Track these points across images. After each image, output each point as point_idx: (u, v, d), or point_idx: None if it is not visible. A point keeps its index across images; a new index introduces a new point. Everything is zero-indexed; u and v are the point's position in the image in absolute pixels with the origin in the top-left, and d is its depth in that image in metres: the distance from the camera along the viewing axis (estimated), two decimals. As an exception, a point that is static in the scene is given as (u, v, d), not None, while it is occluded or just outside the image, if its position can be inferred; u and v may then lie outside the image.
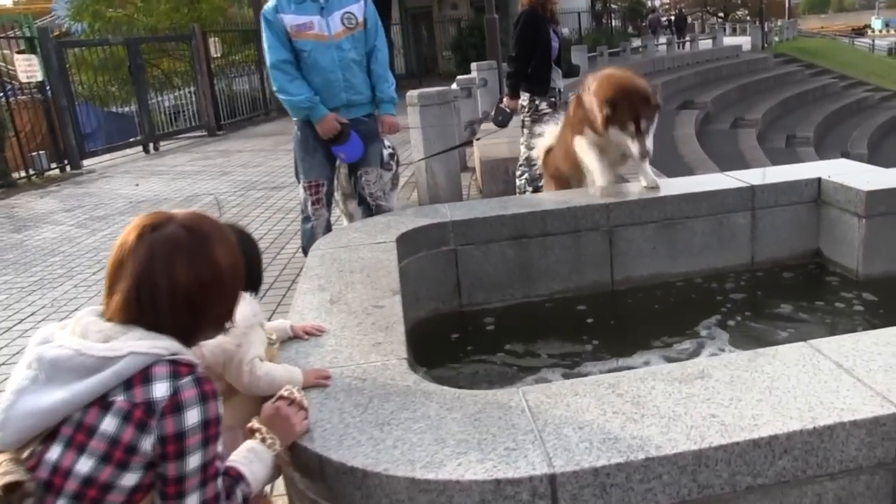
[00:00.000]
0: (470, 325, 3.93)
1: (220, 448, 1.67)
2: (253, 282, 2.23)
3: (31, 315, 5.53)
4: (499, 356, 3.50)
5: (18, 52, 12.56)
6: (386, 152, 5.27)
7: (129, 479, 1.57)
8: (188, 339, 1.73)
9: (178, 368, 1.62)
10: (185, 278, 1.65)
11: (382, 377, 2.24)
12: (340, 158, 4.57)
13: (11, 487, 1.52)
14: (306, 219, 4.73)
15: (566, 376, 3.16)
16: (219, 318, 1.80)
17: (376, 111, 4.74)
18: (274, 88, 4.62)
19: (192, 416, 1.59)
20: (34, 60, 12.38)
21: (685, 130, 12.59)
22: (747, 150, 12.50)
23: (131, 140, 14.69)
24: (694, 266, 4.13)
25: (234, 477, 1.75)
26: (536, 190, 5.61)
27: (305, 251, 4.54)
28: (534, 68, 5.40)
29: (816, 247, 4.22)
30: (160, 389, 1.58)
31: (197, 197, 9.14)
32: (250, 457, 1.82)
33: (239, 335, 2.10)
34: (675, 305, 3.92)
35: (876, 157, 15.87)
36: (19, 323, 5.38)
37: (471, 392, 2.14)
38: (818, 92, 23.34)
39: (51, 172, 12.29)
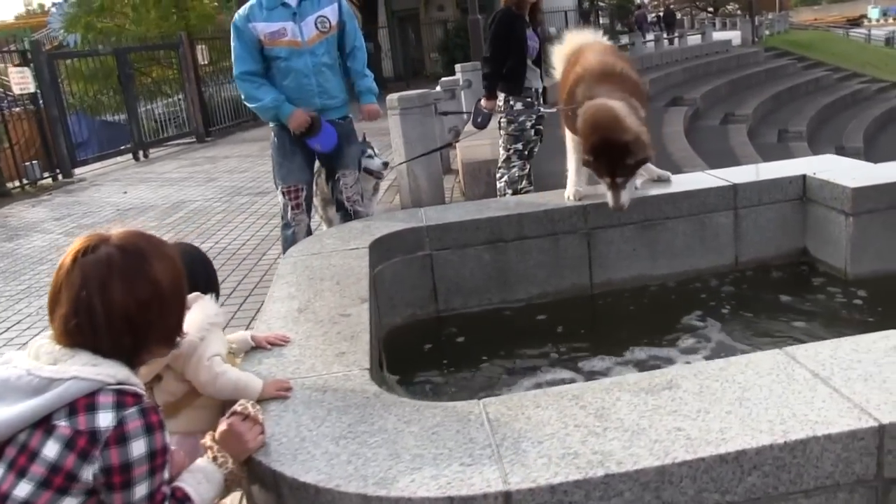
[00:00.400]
0: (446, 331, 3.86)
1: (166, 475, 1.66)
2: (210, 285, 2.23)
3: (18, 323, 5.49)
4: (473, 363, 3.43)
5: (14, 66, 12.59)
6: (379, 161, 5.25)
7: None
8: (135, 360, 1.72)
9: (123, 398, 1.60)
10: (121, 299, 1.64)
11: (343, 388, 2.19)
12: (316, 150, 4.49)
13: None
14: (286, 225, 4.66)
15: (539, 385, 3.08)
16: (166, 333, 1.78)
17: (359, 103, 4.70)
18: (242, 98, 4.59)
19: (138, 448, 1.58)
20: (27, 73, 12.45)
21: (673, 128, 12.50)
22: (738, 146, 12.41)
23: (121, 148, 14.65)
24: (676, 268, 4.05)
25: (181, 499, 1.72)
26: (516, 192, 5.52)
27: None
28: (508, 68, 5.31)
29: (803, 246, 4.13)
30: (105, 419, 1.56)
31: (182, 203, 9.06)
32: (198, 477, 1.79)
33: (203, 329, 2.09)
34: (656, 308, 3.84)
35: (872, 150, 15.79)
36: (6, 331, 5.35)
37: (430, 404, 2.08)
38: (811, 85, 23.19)
39: (43, 182, 12.25)
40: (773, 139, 15.21)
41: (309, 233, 4.67)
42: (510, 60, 5.28)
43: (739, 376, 1.97)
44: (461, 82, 9.87)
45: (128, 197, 10.13)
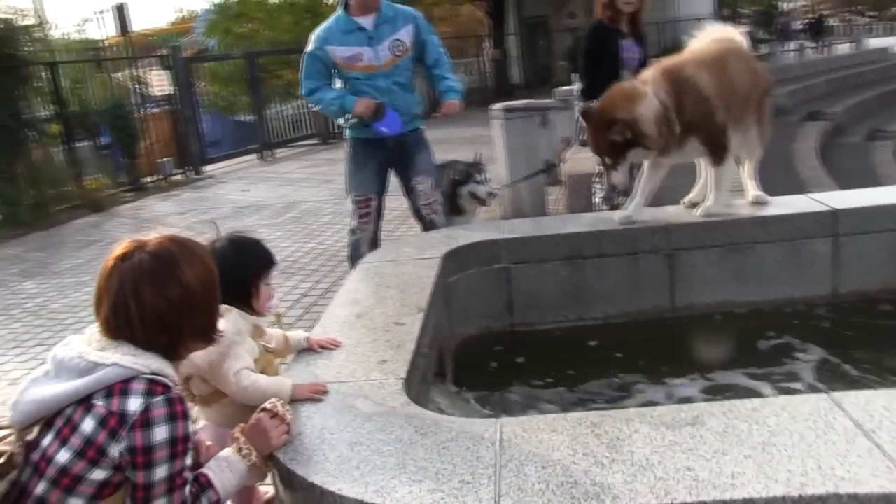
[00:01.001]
0: (519, 345, 3.81)
1: (188, 461, 1.79)
2: (240, 287, 2.29)
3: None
4: (540, 379, 3.37)
5: (157, 70, 13.49)
6: (485, 189, 5.28)
7: (98, 474, 1.71)
8: (172, 354, 1.88)
9: (153, 387, 1.75)
10: (152, 301, 1.80)
11: (375, 396, 2.24)
12: (383, 133, 4.51)
13: (2, 455, 1.71)
14: (352, 231, 4.75)
15: (597, 406, 3.01)
16: (200, 331, 1.93)
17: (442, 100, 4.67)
18: (312, 108, 4.77)
19: (160, 433, 1.72)
20: (165, 76, 13.23)
21: (805, 144, 11.78)
22: (880, 166, 11.50)
23: (248, 147, 15.29)
24: (764, 295, 3.85)
25: (203, 484, 1.87)
26: (613, 207, 5.40)
27: (351, 262, 4.61)
28: (602, 83, 5.20)
29: (919, 281, 3.84)
30: (134, 404, 1.72)
31: (296, 203, 9.35)
32: (223, 465, 1.93)
33: (222, 348, 2.17)
34: (738, 336, 3.68)
35: None
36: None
37: (450, 419, 2.10)
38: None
39: (175, 177, 12.98)
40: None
41: (375, 241, 4.73)
42: (603, 74, 5.18)
43: (772, 419, 1.86)
44: (576, 92, 9.72)
45: (247, 195, 10.56)
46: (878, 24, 49.01)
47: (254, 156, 15.04)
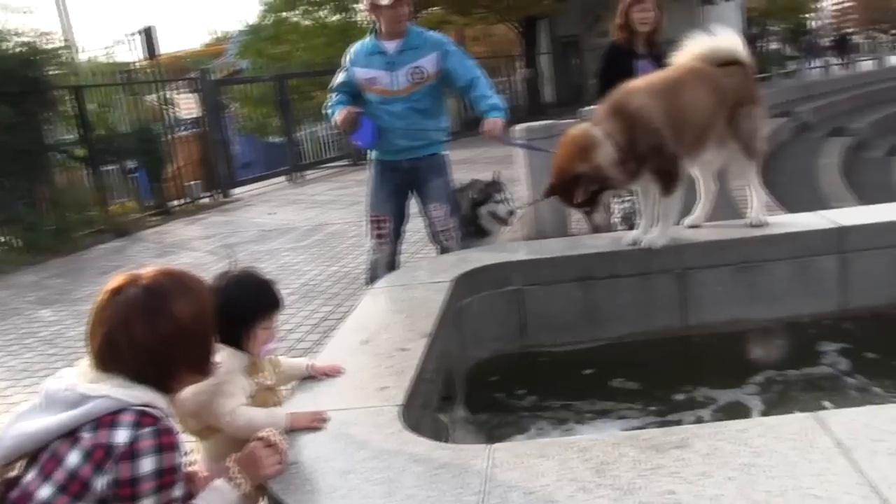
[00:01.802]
0: (530, 368, 3.85)
1: (177, 493, 1.78)
2: (233, 328, 2.28)
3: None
4: (552, 401, 3.40)
5: (185, 92, 13.67)
6: (506, 208, 5.22)
7: None
8: (166, 388, 1.88)
9: (142, 418, 1.75)
10: (144, 336, 1.81)
11: (371, 423, 2.27)
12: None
13: None
14: (369, 251, 4.83)
15: (602, 429, 3.04)
16: (194, 364, 1.94)
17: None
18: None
19: (147, 465, 1.71)
20: (194, 99, 13.41)
21: (828, 159, 11.73)
22: (900, 180, 11.51)
23: (278, 170, 15.46)
24: (774, 313, 3.85)
25: None
26: (632, 227, 5.41)
27: (368, 283, 4.66)
28: None
29: (923, 296, 3.83)
30: (121, 435, 1.71)
31: (322, 226, 9.45)
32: (214, 496, 1.93)
33: (212, 388, 2.19)
34: (748, 355, 3.67)
35: None
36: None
37: (442, 445, 2.14)
38: None
39: (203, 201, 13.14)
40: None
41: (392, 263, 4.78)
42: None
43: (757, 440, 1.89)
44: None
45: (274, 218, 10.68)
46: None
47: (283, 178, 15.20)
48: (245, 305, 2.31)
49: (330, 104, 4.72)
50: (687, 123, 3.66)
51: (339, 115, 4.55)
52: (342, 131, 4.68)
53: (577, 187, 3.48)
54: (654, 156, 3.59)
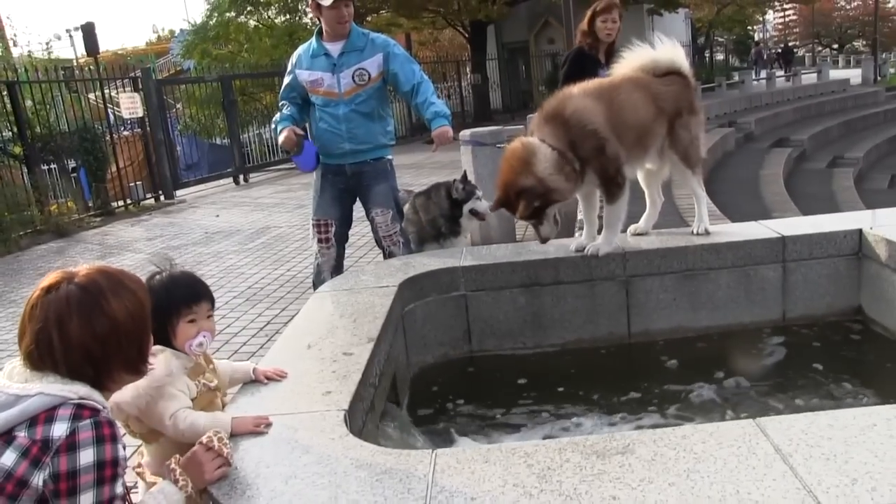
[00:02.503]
0: (477, 372, 3.86)
1: (119, 489, 1.73)
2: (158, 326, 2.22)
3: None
4: (497, 406, 3.41)
5: (127, 91, 13.38)
6: (483, 204, 5.29)
7: None
8: (100, 385, 1.83)
9: (80, 411, 1.71)
10: (78, 334, 1.76)
11: (315, 427, 2.24)
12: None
13: None
14: (315, 255, 4.81)
15: (550, 433, 3.05)
16: (129, 363, 1.89)
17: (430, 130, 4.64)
18: None
19: (86, 456, 1.67)
20: (136, 98, 13.16)
21: (772, 170, 12.03)
22: (841, 192, 11.80)
23: (223, 172, 15.27)
24: (718, 320, 3.93)
25: None
26: None
27: (315, 287, 4.65)
28: None
29: (858, 304, 3.94)
30: (59, 429, 1.67)
31: (267, 229, 9.36)
32: (159, 497, 1.91)
33: (152, 391, 2.15)
34: (693, 361, 3.71)
35: None
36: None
37: (386, 450, 2.11)
38: (939, 129, 21.81)
39: (146, 202, 12.91)
40: (883, 185, 14.40)
41: (338, 265, 4.79)
42: None
43: (699, 446, 1.90)
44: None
45: (218, 220, 10.54)
46: (840, 56, 50.10)
47: (229, 180, 15.00)
48: (161, 302, 2.23)
49: (277, 119, 4.68)
50: (626, 125, 3.67)
51: (282, 135, 4.53)
52: (284, 151, 4.61)
53: (521, 201, 3.47)
54: (595, 157, 3.59)
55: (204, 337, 2.33)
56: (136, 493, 2.31)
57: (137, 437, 2.33)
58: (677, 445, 1.92)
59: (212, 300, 2.41)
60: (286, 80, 4.72)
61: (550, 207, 3.56)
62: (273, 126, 4.73)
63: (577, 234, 4.34)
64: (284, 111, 4.67)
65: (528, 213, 3.51)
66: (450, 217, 5.33)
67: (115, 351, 1.81)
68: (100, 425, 1.70)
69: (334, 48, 4.52)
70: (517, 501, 1.73)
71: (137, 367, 1.91)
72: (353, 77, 4.49)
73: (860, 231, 3.87)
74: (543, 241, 3.66)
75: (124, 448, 1.78)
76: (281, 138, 4.55)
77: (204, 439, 2.02)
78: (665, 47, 3.97)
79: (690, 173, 4.00)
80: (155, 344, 2.15)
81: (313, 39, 4.63)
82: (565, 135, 3.53)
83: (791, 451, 1.84)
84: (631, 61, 3.98)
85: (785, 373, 3.53)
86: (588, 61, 5.33)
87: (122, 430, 1.85)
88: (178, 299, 2.30)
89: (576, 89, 3.73)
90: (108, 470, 1.69)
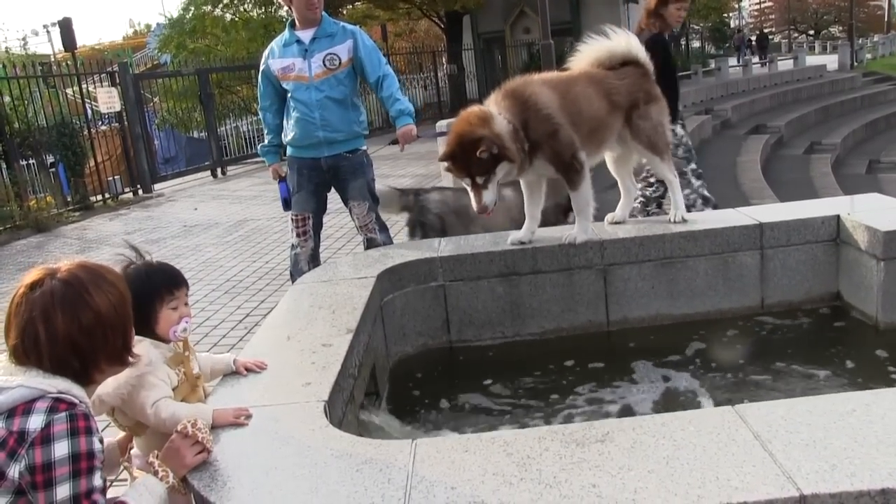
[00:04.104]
0: (456, 362, 3.86)
1: (97, 482, 1.74)
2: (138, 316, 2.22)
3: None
4: (477, 395, 3.41)
5: (105, 86, 13.26)
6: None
7: None
8: (85, 378, 1.86)
9: (57, 404, 1.73)
10: (63, 327, 1.80)
11: (295, 418, 2.24)
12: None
13: None
14: (292, 246, 4.85)
15: (526, 423, 3.05)
16: (114, 354, 1.91)
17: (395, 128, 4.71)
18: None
19: (61, 449, 1.68)
20: (114, 93, 13.05)
21: (750, 157, 12.10)
22: (818, 177, 11.86)
23: (201, 165, 15.17)
24: (696, 308, 3.95)
25: None
26: (648, 215, 5.38)
27: (293, 278, 4.67)
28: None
29: (836, 290, 3.97)
30: (35, 421, 1.70)
31: (245, 222, 9.31)
32: (141, 490, 1.93)
33: (133, 381, 2.15)
34: (672, 349, 3.72)
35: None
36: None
37: (366, 440, 2.12)
38: (913, 113, 21.96)
39: (124, 196, 12.80)
40: (861, 170, 14.51)
41: (315, 257, 4.83)
42: (673, 87, 5.06)
43: (678, 433, 1.91)
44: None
45: (197, 214, 10.46)
46: (817, 42, 50.48)
47: (207, 173, 14.90)
48: (142, 290, 2.24)
49: (265, 147, 4.89)
50: (580, 117, 3.68)
51: (269, 167, 4.94)
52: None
53: (477, 149, 3.41)
54: (547, 142, 3.60)
55: (186, 322, 2.36)
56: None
57: (124, 429, 2.33)
58: (657, 433, 1.92)
59: (187, 284, 2.44)
60: (259, 81, 4.77)
61: (500, 167, 3.50)
62: (260, 149, 4.97)
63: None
64: (268, 138, 4.84)
65: (480, 167, 3.45)
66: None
67: (100, 342, 1.84)
68: (75, 418, 1.71)
69: (306, 35, 4.56)
70: (497, 490, 1.73)
71: (122, 357, 1.94)
72: (323, 61, 4.51)
73: (838, 217, 3.89)
74: (482, 210, 3.57)
75: (102, 442, 1.79)
76: (271, 169, 4.90)
77: (179, 427, 2.04)
78: (619, 37, 3.98)
79: (659, 160, 4.01)
80: (138, 334, 2.17)
81: (286, 30, 4.66)
82: (521, 113, 3.55)
83: (770, 438, 1.85)
84: (587, 54, 4.00)
85: (764, 359, 3.53)
86: (669, 46, 5.22)
87: (100, 424, 1.83)
88: (159, 286, 2.32)
89: (536, 77, 3.77)
90: (83, 462, 1.70)
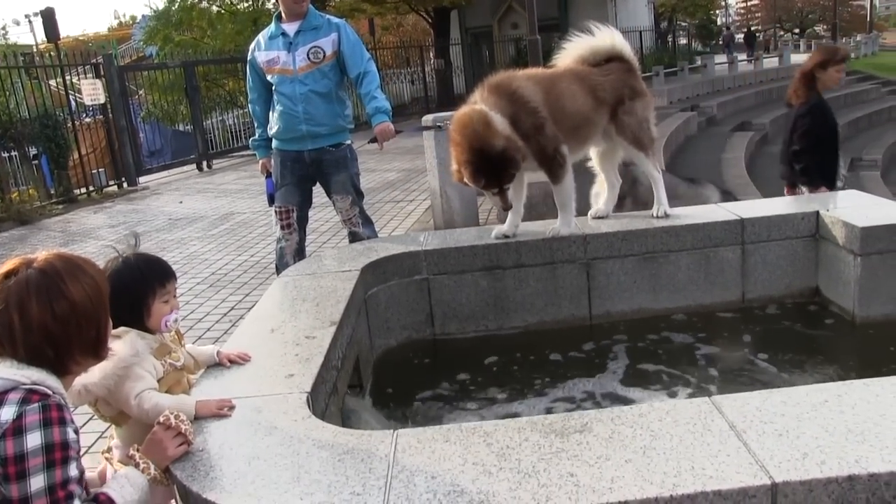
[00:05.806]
0: (440, 355, 3.88)
1: (72, 472, 1.73)
2: (131, 308, 2.27)
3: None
4: (460, 388, 3.44)
5: (89, 78, 13.17)
6: None
7: None
8: (61, 369, 1.85)
9: (30, 395, 1.72)
10: (37, 315, 1.78)
11: (278, 409, 2.25)
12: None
13: None
14: (277, 240, 4.85)
15: (514, 413, 3.08)
16: (88, 345, 1.90)
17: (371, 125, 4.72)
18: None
19: (33, 440, 1.67)
20: (98, 84, 12.96)
21: (734, 153, 12.19)
22: (801, 175, 12.03)
23: (186, 158, 15.11)
24: (678, 302, 3.98)
25: (103, 502, 1.84)
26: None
27: (278, 270, 4.69)
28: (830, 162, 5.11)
29: (815, 285, 4.02)
30: (6, 413, 1.68)
31: (230, 215, 9.30)
32: (122, 482, 1.92)
33: (119, 371, 2.15)
34: (654, 343, 3.76)
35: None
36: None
37: (347, 431, 2.13)
38: (894, 111, 22.17)
39: (109, 189, 12.75)
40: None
41: (300, 250, 4.85)
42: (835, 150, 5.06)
43: (655, 424, 1.94)
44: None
45: (182, 207, 10.45)
46: (802, 40, 50.78)
47: (193, 166, 14.84)
48: (136, 284, 2.28)
49: (256, 141, 4.94)
50: (563, 113, 3.71)
51: (259, 161, 5.02)
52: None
53: (506, 161, 3.42)
54: (534, 135, 3.61)
55: (176, 313, 2.40)
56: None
57: (107, 420, 2.33)
58: (634, 423, 1.95)
59: (176, 277, 2.47)
60: (248, 73, 4.80)
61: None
62: (251, 143, 5.04)
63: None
64: (258, 132, 4.88)
65: (509, 176, 3.49)
66: None
67: (74, 332, 1.83)
68: (48, 408, 1.71)
69: (291, 28, 4.58)
70: (476, 479, 1.75)
71: (97, 349, 1.93)
72: (307, 54, 4.52)
73: (818, 213, 3.94)
74: (506, 208, 3.65)
75: (76, 432, 1.78)
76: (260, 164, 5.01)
77: (161, 418, 2.04)
78: (603, 34, 4.01)
79: (643, 156, 4.03)
80: (122, 325, 2.21)
81: (272, 23, 4.68)
82: (509, 107, 3.57)
83: (745, 428, 1.88)
84: (572, 51, 4.02)
85: (743, 352, 3.59)
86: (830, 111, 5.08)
87: (73, 414, 1.84)
88: (153, 281, 2.34)
89: (520, 73, 3.81)
90: (57, 453, 1.69)
